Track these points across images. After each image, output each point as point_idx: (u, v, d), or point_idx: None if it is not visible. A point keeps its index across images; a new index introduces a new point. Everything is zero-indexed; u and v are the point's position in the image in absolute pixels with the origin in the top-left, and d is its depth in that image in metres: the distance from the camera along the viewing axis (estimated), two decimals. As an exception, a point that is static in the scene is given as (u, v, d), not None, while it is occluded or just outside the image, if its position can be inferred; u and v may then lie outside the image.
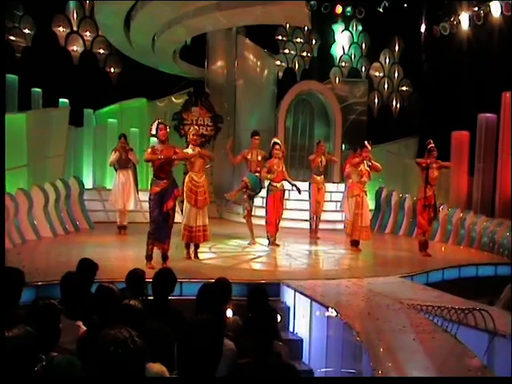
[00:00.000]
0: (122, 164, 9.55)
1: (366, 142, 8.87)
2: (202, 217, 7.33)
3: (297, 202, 11.95)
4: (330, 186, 12.08)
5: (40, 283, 5.56)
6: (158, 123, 6.95)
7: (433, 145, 8.57)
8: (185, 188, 7.34)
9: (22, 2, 13.08)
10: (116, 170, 9.69)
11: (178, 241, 9.26)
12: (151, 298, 4.08)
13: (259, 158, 8.89)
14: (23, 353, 1.97)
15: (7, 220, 7.77)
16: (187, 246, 7.52)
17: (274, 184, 8.85)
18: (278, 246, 8.78)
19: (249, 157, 8.93)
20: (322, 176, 10.34)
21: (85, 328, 3.49)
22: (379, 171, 9.07)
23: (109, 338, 1.84)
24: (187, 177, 7.47)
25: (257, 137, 9.03)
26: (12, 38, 12.98)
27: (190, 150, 7.37)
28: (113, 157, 9.52)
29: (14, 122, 8.77)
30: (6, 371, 1.89)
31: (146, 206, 10.99)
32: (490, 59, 12.23)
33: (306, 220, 11.21)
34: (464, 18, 13.69)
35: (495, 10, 12.66)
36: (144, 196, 11.00)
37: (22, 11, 13.18)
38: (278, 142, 9.02)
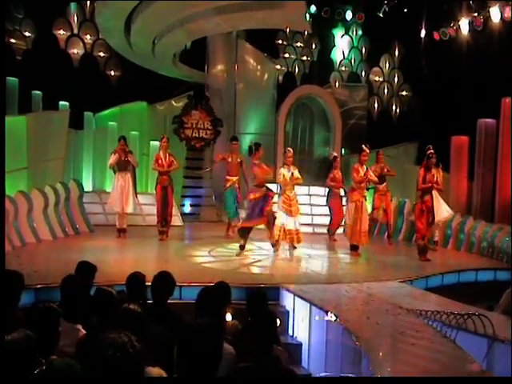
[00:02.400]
0: (121, 166, 9.53)
1: (363, 146, 8.92)
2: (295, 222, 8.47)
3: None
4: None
5: (39, 286, 5.56)
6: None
7: (432, 151, 8.59)
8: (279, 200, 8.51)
9: (22, 5, 13.10)
10: (115, 173, 9.68)
11: (178, 244, 9.32)
12: (150, 301, 4.08)
13: (238, 160, 9.89)
14: (23, 356, 1.97)
15: (7, 223, 7.77)
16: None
17: (337, 190, 10.24)
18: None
19: (229, 160, 9.92)
20: (385, 184, 10.37)
21: (84, 331, 3.49)
22: (376, 183, 9.25)
23: (108, 341, 1.85)
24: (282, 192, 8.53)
25: (234, 142, 10.09)
26: (13, 40, 13.00)
27: (285, 172, 8.35)
28: (112, 159, 9.49)
29: (14, 124, 8.77)
30: (5, 374, 1.89)
31: (146, 208, 11.22)
32: (489, 64, 12.27)
33: (307, 224, 11.25)
34: (464, 24, 13.70)
35: (495, 15, 12.68)
36: (144, 199, 11.07)
37: (23, 14, 13.21)
38: (336, 154, 10.20)
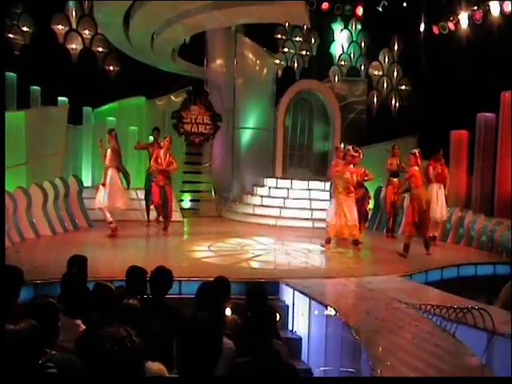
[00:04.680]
0: (113, 162, 9.10)
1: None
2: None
3: (296, 200, 11.99)
4: (329, 185, 12.07)
5: (39, 281, 5.56)
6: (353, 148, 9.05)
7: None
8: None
9: (21, 0, 13.03)
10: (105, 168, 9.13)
11: (178, 240, 9.32)
12: (148, 296, 4.07)
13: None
14: (29, 345, 1.96)
15: (6, 218, 7.76)
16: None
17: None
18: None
19: (151, 150, 10.22)
20: (398, 178, 10.49)
21: (84, 326, 3.49)
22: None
23: (106, 335, 1.84)
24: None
25: (156, 131, 10.67)
26: (11, 35, 12.91)
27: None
28: (108, 156, 9.08)
29: (12, 119, 8.75)
30: (12, 363, 1.88)
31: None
32: (489, 58, 12.22)
33: (306, 219, 11.27)
34: (463, 18, 13.65)
35: (494, 9, 12.64)
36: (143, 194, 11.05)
37: (21, 9, 13.13)
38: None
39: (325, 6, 15.52)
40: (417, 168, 8.49)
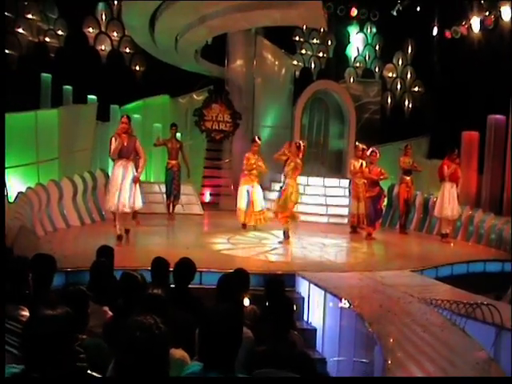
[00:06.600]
0: (123, 153, 7.35)
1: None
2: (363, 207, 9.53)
3: (312, 196, 11.94)
4: (343, 182, 12.01)
5: (69, 269, 5.62)
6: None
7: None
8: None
9: (57, 6, 13.19)
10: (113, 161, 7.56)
11: (199, 233, 9.35)
12: (172, 286, 4.09)
13: (178, 145, 10.27)
14: (66, 330, 1.97)
15: (39, 210, 7.86)
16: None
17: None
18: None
19: (169, 145, 10.26)
20: (411, 176, 10.42)
21: (111, 313, 3.52)
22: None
23: (135, 324, 1.85)
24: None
25: (174, 127, 10.44)
26: (47, 39, 13.12)
27: (355, 163, 9.73)
28: (113, 146, 7.36)
29: (46, 117, 8.85)
30: (50, 347, 1.89)
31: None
32: (499, 62, 12.02)
33: (322, 214, 11.23)
34: (475, 22, 13.46)
35: (505, 14, 12.42)
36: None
37: (57, 14, 13.29)
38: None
39: (341, 10, 15.41)
40: (298, 160, 8.35)
